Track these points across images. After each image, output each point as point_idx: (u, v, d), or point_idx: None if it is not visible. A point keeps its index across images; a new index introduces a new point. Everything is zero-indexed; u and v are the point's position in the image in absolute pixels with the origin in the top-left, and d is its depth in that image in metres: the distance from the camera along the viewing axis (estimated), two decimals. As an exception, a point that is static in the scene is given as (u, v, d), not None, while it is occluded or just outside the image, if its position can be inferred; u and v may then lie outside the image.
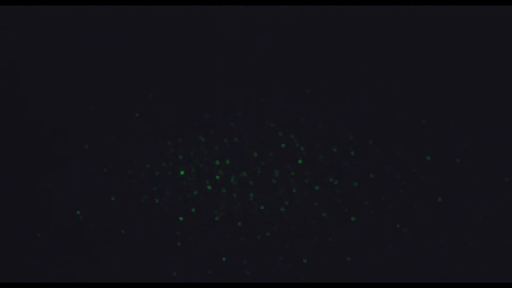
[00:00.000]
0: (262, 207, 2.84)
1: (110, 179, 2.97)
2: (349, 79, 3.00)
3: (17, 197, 2.96)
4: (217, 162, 2.87)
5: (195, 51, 3.07)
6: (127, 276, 2.91)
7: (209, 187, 2.87)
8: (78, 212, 2.85)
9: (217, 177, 2.89)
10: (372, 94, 2.97)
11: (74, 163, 2.99)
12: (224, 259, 2.74)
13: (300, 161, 2.83)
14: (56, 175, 2.98)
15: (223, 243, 2.84)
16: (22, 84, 3.04)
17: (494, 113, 2.94)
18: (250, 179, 2.88)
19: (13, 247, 2.93)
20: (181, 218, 2.75)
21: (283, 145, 2.76)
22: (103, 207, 2.95)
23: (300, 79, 3.01)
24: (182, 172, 2.86)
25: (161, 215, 2.93)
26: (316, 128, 2.89)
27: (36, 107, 3.03)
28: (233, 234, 2.85)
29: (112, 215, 2.95)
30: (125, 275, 2.91)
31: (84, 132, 3.02)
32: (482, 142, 2.92)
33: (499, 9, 2.93)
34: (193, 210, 2.89)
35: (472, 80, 2.97)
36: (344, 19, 3.00)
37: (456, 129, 2.94)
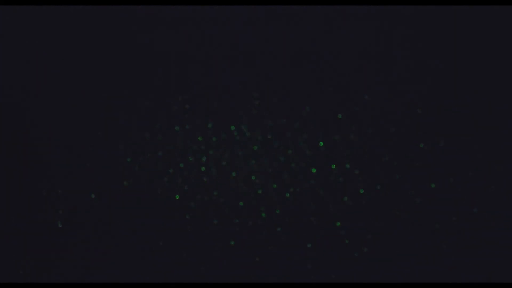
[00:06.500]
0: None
1: (110, 178, 2.97)
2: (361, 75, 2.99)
3: (17, 197, 2.95)
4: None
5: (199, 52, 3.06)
6: (128, 276, 2.91)
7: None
8: (91, 195, 2.83)
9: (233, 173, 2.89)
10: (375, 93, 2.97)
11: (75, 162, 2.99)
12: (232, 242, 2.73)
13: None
14: (57, 174, 2.97)
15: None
16: (22, 85, 3.04)
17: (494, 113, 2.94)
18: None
19: (12, 247, 2.92)
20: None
21: (321, 143, 2.75)
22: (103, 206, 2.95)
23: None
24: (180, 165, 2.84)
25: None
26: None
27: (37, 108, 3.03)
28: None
29: (113, 214, 2.94)
30: (125, 275, 2.91)
31: (81, 131, 3.02)
32: (483, 140, 2.92)
33: (499, 9, 2.93)
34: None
35: (472, 80, 2.96)
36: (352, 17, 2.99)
37: (455, 127, 2.94)
